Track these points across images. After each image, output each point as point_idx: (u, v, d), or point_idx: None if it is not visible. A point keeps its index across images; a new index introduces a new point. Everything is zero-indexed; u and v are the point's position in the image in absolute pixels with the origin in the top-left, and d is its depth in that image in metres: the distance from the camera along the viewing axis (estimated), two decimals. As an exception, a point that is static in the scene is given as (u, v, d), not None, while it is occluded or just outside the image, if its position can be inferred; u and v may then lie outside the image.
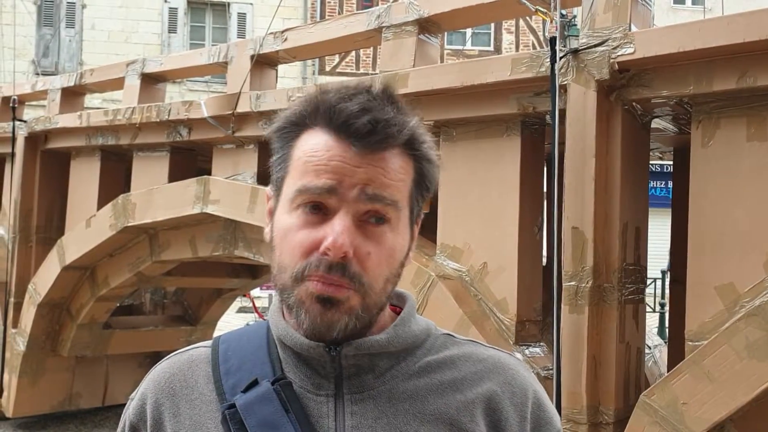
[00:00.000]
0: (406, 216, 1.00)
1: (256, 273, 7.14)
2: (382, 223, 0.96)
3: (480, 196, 3.59)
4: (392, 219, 0.97)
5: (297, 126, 1.00)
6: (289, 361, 1.03)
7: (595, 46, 3.11)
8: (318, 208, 0.95)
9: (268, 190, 1.06)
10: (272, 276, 1.01)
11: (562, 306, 3.16)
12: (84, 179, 6.27)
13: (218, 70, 5.52)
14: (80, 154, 6.39)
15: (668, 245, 4.25)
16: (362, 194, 0.94)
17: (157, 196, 5.30)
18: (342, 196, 0.94)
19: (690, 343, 2.90)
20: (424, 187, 1.02)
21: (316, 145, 0.96)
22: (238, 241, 5.01)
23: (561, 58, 3.16)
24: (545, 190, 3.95)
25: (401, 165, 0.97)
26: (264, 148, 4.90)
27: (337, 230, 0.92)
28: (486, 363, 1.06)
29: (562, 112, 3.22)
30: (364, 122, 0.93)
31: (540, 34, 16.32)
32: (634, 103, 3.25)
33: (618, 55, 3.05)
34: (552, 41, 3.12)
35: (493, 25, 15.89)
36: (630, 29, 3.07)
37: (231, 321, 11.94)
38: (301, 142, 0.99)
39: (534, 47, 15.86)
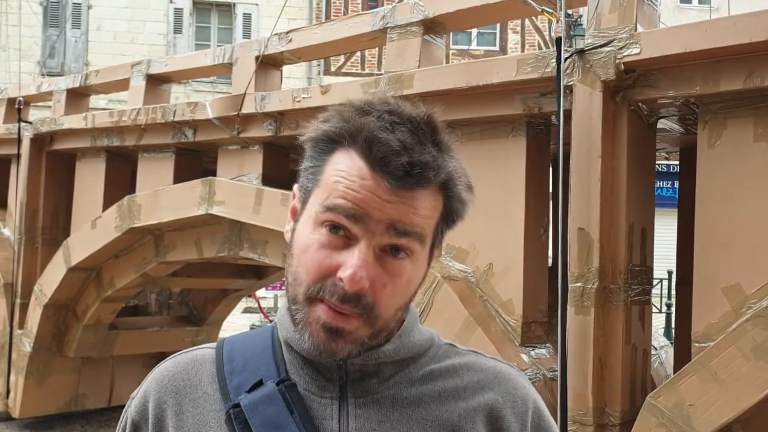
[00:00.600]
0: (427, 246, 1.00)
1: (261, 274, 7.15)
2: (403, 257, 0.96)
3: (485, 197, 3.57)
4: (414, 252, 0.97)
5: (334, 142, 0.98)
6: (294, 363, 1.03)
7: (601, 46, 3.10)
8: (341, 230, 0.94)
9: (295, 188, 1.05)
10: (286, 281, 1.01)
11: (568, 307, 3.15)
12: (89, 180, 6.28)
13: (223, 71, 5.52)
14: (85, 155, 6.40)
15: (674, 246, 4.23)
16: (388, 229, 0.93)
17: (162, 197, 5.30)
18: (367, 227, 0.93)
19: (696, 344, 2.88)
20: (450, 221, 1.01)
21: (350, 168, 0.95)
22: (243, 242, 5.00)
23: (567, 58, 3.15)
24: (551, 191, 3.94)
25: (432, 203, 0.97)
26: (269, 149, 4.91)
27: (356, 263, 0.92)
28: (487, 373, 1.08)
29: (568, 113, 3.21)
30: (402, 164, 0.92)
31: (546, 33, 16.29)
32: (640, 104, 3.23)
33: (624, 56, 3.04)
34: (558, 41, 3.10)
35: (498, 25, 15.86)
36: (636, 29, 3.06)
37: (236, 321, 11.96)
38: (335, 158, 0.97)
39: (540, 47, 15.83)
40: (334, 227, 0.94)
